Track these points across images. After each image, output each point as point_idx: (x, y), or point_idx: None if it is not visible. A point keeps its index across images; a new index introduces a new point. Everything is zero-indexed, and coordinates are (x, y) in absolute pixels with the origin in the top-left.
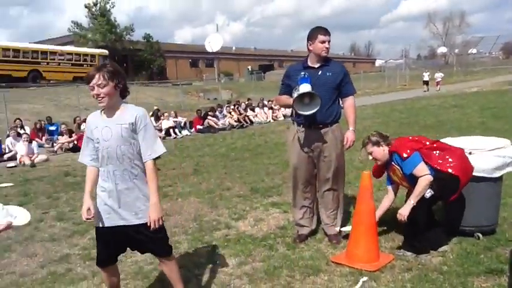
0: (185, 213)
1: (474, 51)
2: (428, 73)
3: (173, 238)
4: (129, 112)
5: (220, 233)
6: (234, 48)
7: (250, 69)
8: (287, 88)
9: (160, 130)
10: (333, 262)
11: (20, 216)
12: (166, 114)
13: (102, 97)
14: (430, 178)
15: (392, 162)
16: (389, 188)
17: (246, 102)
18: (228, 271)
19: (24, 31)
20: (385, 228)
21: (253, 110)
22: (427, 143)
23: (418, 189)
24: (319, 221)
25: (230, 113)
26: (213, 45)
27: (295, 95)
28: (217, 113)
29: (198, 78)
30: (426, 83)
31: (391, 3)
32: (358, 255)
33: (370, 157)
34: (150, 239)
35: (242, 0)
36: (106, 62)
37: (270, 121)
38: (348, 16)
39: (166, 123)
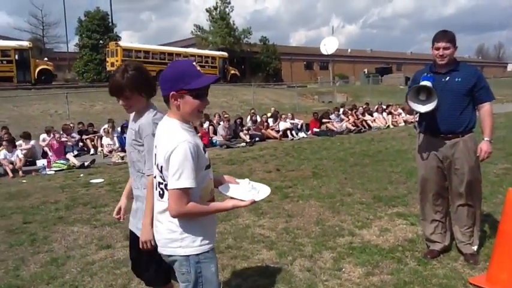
0: (307, 215)
1: None
2: None
3: (296, 240)
4: (142, 119)
5: (344, 239)
6: (349, 50)
7: (366, 72)
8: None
9: (277, 131)
10: (471, 284)
11: (261, 190)
12: (283, 115)
13: (129, 107)
14: None
15: None
16: None
17: (364, 106)
18: (355, 280)
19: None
20: None
21: (371, 114)
22: None
23: None
24: (452, 238)
25: (347, 116)
26: (328, 47)
27: (411, 91)
28: (333, 116)
29: (313, 80)
30: None
31: None
32: (503, 279)
33: None
34: (144, 261)
35: (358, 1)
36: (127, 66)
37: (389, 126)
38: (475, 16)
39: (283, 125)
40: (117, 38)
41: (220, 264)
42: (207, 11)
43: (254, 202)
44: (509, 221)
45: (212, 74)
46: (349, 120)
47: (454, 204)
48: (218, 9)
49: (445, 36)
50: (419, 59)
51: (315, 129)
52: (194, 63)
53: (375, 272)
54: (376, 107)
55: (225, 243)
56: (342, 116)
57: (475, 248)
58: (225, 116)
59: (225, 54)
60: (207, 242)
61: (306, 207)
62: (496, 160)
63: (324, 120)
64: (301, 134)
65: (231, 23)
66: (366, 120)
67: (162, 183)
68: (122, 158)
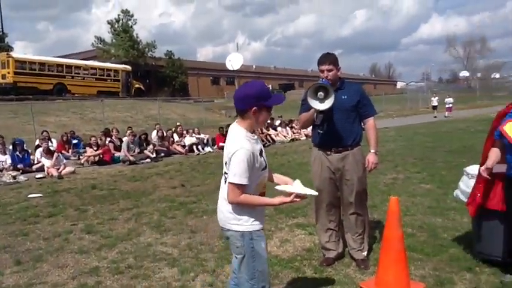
0: (210, 230)
1: (497, 75)
2: (437, 98)
3: (199, 255)
4: None
5: None
6: (254, 66)
7: (270, 88)
8: (307, 107)
9: (183, 146)
10: (362, 287)
11: (310, 191)
12: (190, 130)
13: None
14: None
15: None
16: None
17: (268, 121)
18: None
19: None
20: (415, 255)
21: (275, 128)
22: None
23: None
24: (345, 245)
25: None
26: (233, 63)
27: (310, 90)
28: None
29: (220, 95)
30: (435, 108)
31: (411, 26)
32: (388, 282)
33: None
34: None
35: (263, 20)
36: None
37: (292, 139)
38: (368, 37)
39: (189, 140)
40: (8, 49)
41: (120, 285)
42: (108, 23)
43: (300, 197)
44: (392, 227)
45: (115, 87)
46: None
47: (346, 214)
48: (120, 21)
49: (328, 58)
50: (319, 76)
51: (221, 144)
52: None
53: (274, 283)
54: (278, 121)
55: (125, 263)
56: None
57: (365, 253)
58: (130, 131)
59: (128, 67)
60: (258, 222)
61: (210, 222)
62: (386, 171)
63: None
64: (208, 149)
65: (135, 35)
66: (270, 135)
67: (226, 174)
68: (14, 177)
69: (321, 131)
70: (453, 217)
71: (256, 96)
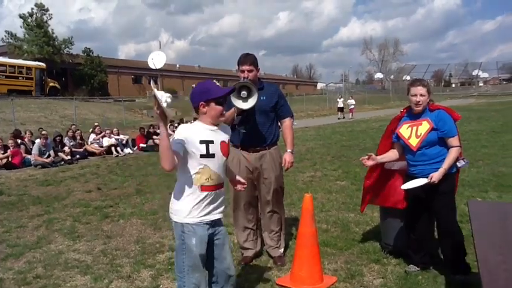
0: (127, 235)
1: (408, 78)
2: (342, 99)
3: (114, 261)
4: None
5: (164, 255)
6: (178, 66)
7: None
8: (227, 107)
9: (101, 148)
10: (278, 285)
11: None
12: (108, 131)
13: None
14: (460, 150)
15: (427, 117)
16: (397, 143)
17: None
18: None
19: None
20: (329, 250)
21: None
22: None
23: (451, 157)
24: (262, 243)
25: (174, 131)
26: (156, 62)
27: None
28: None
29: (142, 95)
30: (341, 109)
31: (331, 28)
32: (302, 277)
33: (418, 98)
34: None
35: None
36: None
37: None
38: (291, 39)
39: (107, 141)
40: None
41: None
42: (20, 17)
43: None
44: (306, 224)
45: (27, 86)
46: None
47: (263, 212)
48: (34, 16)
49: (248, 59)
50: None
51: (142, 145)
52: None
53: None
54: None
55: (33, 273)
56: (169, 131)
57: (282, 250)
58: (42, 132)
59: (42, 64)
60: (192, 217)
61: (126, 226)
62: (304, 169)
63: (152, 135)
64: (127, 150)
65: (50, 31)
66: None
67: None
68: None
69: (243, 131)
70: (365, 212)
71: (200, 92)
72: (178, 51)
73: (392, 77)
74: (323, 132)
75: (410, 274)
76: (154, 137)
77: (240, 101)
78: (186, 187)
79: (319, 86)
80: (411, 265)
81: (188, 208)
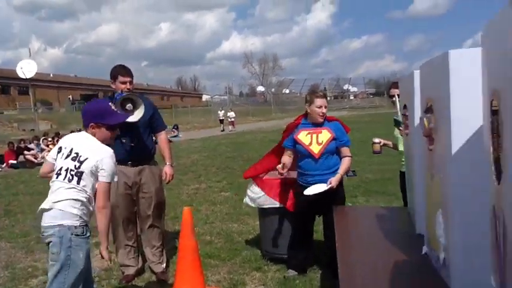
0: None
1: (287, 91)
2: (223, 111)
3: None
4: None
5: (37, 280)
6: (51, 75)
7: (71, 99)
8: None
9: None
10: None
11: None
12: None
13: None
14: (351, 160)
15: (327, 127)
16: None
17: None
18: None
19: None
20: (212, 261)
21: None
22: None
23: (345, 164)
24: (144, 260)
25: (48, 145)
26: (25, 71)
27: (117, 104)
28: (32, 145)
29: (11, 106)
30: (222, 121)
31: (215, 41)
32: None
33: (324, 110)
34: None
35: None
36: None
37: None
38: (174, 50)
39: None
40: None
41: None
42: None
43: None
44: (186, 237)
45: None
46: (51, 149)
47: (143, 228)
48: None
49: (128, 70)
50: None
51: (11, 161)
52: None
53: None
54: None
55: None
56: (42, 146)
57: (164, 265)
58: None
59: None
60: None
61: None
62: (189, 182)
63: (23, 151)
64: None
65: None
66: None
67: (71, 171)
68: None
69: (132, 144)
70: (247, 221)
71: (93, 113)
72: (52, 60)
73: (273, 90)
74: (208, 144)
75: (289, 279)
76: (26, 152)
77: (127, 114)
78: (86, 197)
79: (205, 98)
80: (290, 270)
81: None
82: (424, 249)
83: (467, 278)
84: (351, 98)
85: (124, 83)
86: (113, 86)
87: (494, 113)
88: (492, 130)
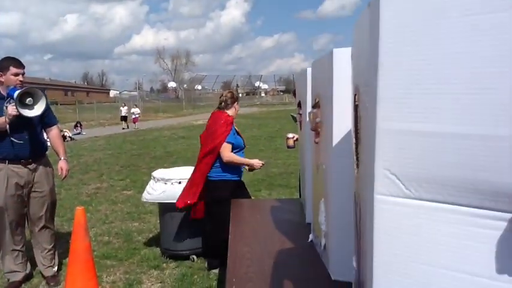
0: None
1: (199, 87)
2: (126, 107)
3: None
4: None
5: None
6: None
7: None
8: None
9: None
10: None
11: None
12: None
13: None
14: None
15: None
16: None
17: None
18: None
19: None
20: (108, 262)
21: None
22: None
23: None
24: (32, 264)
25: None
26: None
27: (15, 98)
28: None
29: None
30: (124, 118)
31: (124, 36)
32: None
33: None
34: None
35: None
36: None
37: None
38: (81, 44)
39: None
40: None
41: None
42: None
43: None
44: (78, 238)
45: None
46: None
47: (34, 230)
48: None
49: (21, 64)
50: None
51: None
52: None
53: None
54: None
55: None
56: None
57: (56, 269)
58: None
59: None
60: None
61: None
62: (90, 181)
63: None
64: None
65: None
66: None
67: None
68: None
69: (21, 142)
70: (149, 219)
71: None
72: None
73: (185, 86)
74: (113, 142)
75: (187, 274)
76: None
77: (27, 110)
78: None
79: (112, 93)
80: (193, 256)
81: None
82: (311, 236)
83: (341, 261)
84: (262, 95)
85: (17, 74)
86: (1, 80)
87: (355, 107)
88: (355, 123)
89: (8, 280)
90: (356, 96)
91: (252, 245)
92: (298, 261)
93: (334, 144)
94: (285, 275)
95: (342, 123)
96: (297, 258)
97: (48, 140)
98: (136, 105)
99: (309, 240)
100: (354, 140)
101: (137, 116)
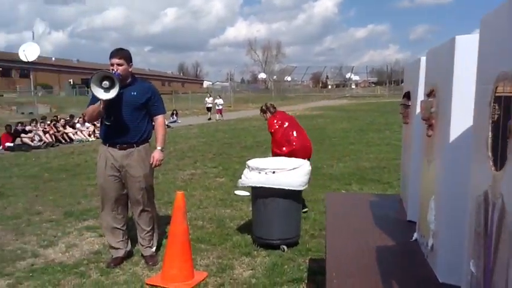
0: None
1: (289, 78)
2: (211, 98)
3: None
4: None
5: (25, 262)
6: (53, 59)
7: (72, 83)
8: (95, 100)
9: None
10: (147, 284)
11: None
12: None
13: None
14: None
15: None
16: None
17: (67, 118)
18: None
19: None
20: (202, 246)
21: (73, 126)
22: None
23: None
24: (133, 243)
25: (46, 129)
26: (28, 54)
27: (95, 79)
28: (29, 127)
29: (11, 89)
30: (209, 109)
31: (219, 28)
32: (173, 275)
33: None
34: None
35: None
36: None
37: (92, 139)
38: (178, 36)
39: None
40: None
41: None
42: None
43: None
44: (177, 221)
45: None
46: (48, 132)
47: (134, 211)
48: None
49: (119, 53)
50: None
51: (8, 144)
52: None
53: None
54: (77, 118)
55: None
56: (39, 130)
57: (154, 249)
58: None
59: None
60: None
61: None
62: (185, 167)
63: (21, 133)
64: None
65: None
66: (67, 133)
67: None
68: None
69: (108, 126)
70: (240, 207)
71: None
72: (56, 44)
73: (275, 77)
74: (206, 130)
75: (277, 264)
76: (23, 135)
77: (101, 91)
78: None
79: (206, 84)
80: (283, 246)
81: None
82: (415, 235)
83: (450, 263)
84: (352, 86)
85: (112, 64)
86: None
87: (496, 99)
88: (492, 116)
89: (112, 256)
90: (497, 87)
91: (350, 240)
92: (401, 260)
93: (451, 138)
94: (388, 273)
95: (461, 117)
96: (400, 256)
97: None
98: (220, 96)
99: (413, 239)
100: (489, 134)
101: (221, 107)
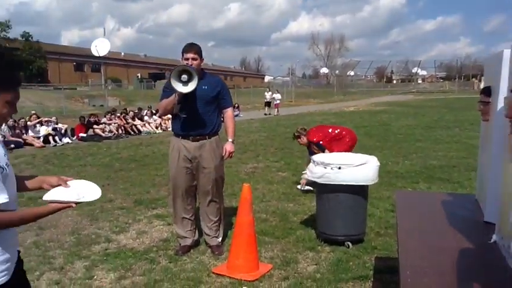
0: (62, 226)
1: (352, 73)
2: (270, 93)
3: (47, 253)
4: None
5: (99, 246)
6: (122, 54)
7: (139, 77)
8: (168, 94)
9: (38, 137)
10: (214, 273)
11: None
12: (45, 120)
13: None
14: None
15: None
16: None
17: (136, 111)
18: (106, 286)
19: None
20: (266, 239)
21: (141, 119)
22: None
23: None
24: (201, 233)
25: (116, 120)
26: (99, 49)
27: (174, 74)
28: (102, 119)
29: (83, 83)
30: (268, 104)
31: (281, 22)
32: (239, 265)
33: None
34: None
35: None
36: None
37: (159, 132)
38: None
39: (45, 130)
40: None
41: None
42: None
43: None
44: (244, 213)
45: None
46: (119, 124)
47: (202, 202)
48: None
49: (193, 48)
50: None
51: (81, 135)
52: None
53: (127, 275)
54: (145, 111)
55: None
56: (111, 121)
57: (220, 240)
58: None
59: None
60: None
61: (61, 217)
62: (248, 160)
63: (93, 125)
64: (66, 140)
65: None
66: (135, 125)
67: None
68: None
69: (181, 119)
70: (303, 202)
71: None
72: (125, 39)
73: (337, 72)
74: (268, 124)
75: (342, 260)
76: (95, 126)
77: (180, 85)
78: None
79: (267, 78)
80: (347, 242)
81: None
82: (494, 237)
83: None
84: (419, 81)
85: (186, 59)
86: (182, 63)
87: None
88: None
89: (180, 244)
90: None
91: (423, 239)
92: (479, 262)
93: None
94: (465, 275)
95: None
96: (477, 258)
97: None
98: (278, 90)
99: (491, 241)
100: None
101: (278, 101)
